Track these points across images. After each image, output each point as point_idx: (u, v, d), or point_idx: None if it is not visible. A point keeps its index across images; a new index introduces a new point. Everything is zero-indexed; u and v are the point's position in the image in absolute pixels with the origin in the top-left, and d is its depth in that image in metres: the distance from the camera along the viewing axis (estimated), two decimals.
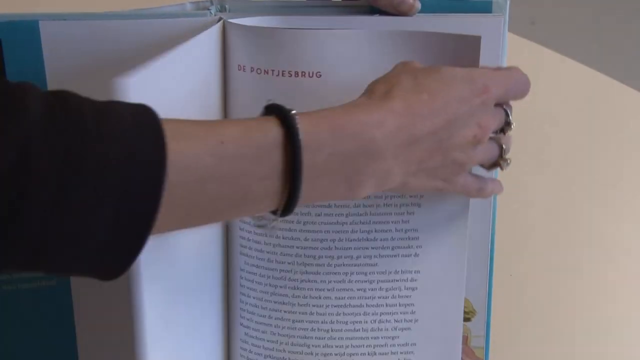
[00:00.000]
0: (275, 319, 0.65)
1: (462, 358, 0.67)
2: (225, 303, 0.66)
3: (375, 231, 0.63)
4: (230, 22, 0.59)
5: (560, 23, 2.67)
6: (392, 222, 0.63)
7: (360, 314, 0.65)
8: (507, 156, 0.60)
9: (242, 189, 0.48)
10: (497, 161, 0.60)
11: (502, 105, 0.59)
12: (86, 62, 0.60)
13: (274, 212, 0.51)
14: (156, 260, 0.52)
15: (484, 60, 0.59)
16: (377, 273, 0.64)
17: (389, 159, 0.52)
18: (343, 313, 0.65)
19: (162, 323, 0.54)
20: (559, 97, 1.11)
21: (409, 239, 0.64)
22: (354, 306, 0.65)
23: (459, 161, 0.57)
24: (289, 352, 0.66)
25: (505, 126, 0.59)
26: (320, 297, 0.64)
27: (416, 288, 0.65)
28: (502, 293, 0.68)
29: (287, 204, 0.50)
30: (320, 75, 0.60)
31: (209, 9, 0.61)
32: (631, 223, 0.92)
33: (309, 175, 0.50)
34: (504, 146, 0.60)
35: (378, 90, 0.54)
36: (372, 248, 0.63)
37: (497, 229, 0.66)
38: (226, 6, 0.62)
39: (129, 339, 0.51)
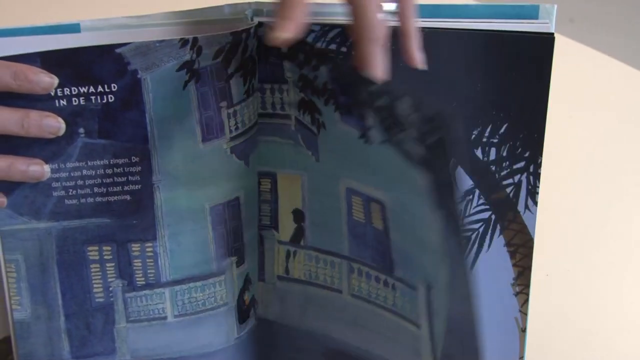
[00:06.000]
0: None
1: None
2: None
3: None
4: None
5: (599, 20, 2.65)
6: None
7: None
8: None
9: None
10: None
11: None
12: None
13: None
14: None
15: None
16: None
17: None
18: None
19: None
20: (598, 95, 1.10)
21: None
22: None
23: None
24: None
25: None
26: None
27: None
28: (538, 293, 0.68)
29: None
30: None
31: (245, 13, 0.62)
32: None
33: None
34: None
35: None
36: None
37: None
38: (263, 10, 0.63)
39: None
